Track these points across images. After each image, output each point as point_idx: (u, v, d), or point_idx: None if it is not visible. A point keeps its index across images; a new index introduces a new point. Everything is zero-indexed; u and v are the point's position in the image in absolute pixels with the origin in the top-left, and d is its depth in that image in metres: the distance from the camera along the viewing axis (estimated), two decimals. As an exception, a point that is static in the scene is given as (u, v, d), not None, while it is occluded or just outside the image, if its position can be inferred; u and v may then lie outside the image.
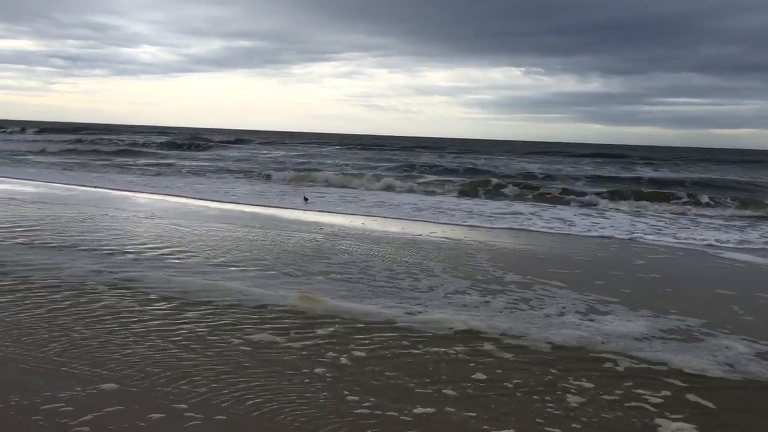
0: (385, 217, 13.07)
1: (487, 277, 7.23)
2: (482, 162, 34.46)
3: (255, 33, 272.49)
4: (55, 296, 5.76)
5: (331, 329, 5.12)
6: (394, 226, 11.48)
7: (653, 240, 11.21)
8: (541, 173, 28.58)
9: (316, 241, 9.32)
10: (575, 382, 4.19)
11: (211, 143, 46.71)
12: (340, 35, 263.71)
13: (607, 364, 4.57)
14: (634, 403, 3.92)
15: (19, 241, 8.28)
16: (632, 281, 7.45)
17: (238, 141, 48.93)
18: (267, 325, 5.10)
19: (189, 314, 5.35)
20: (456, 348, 4.75)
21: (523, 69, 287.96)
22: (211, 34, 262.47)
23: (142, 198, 15.09)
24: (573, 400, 3.91)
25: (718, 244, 10.80)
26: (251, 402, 3.70)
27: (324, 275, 6.96)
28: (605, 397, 4.01)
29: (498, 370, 4.31)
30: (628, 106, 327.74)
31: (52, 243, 8.20)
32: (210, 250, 8.27)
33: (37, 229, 9.24)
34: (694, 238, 11.31)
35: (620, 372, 4.43)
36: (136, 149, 38.25)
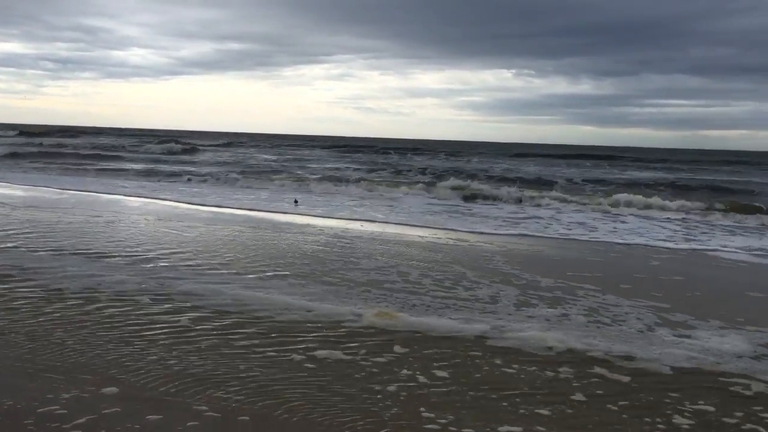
0: (386, 222, 13.71)
1: (525, 282, 7.74)
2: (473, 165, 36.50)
3: (246, 36, 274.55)
4: (108, 309, 5.97)
5: (410, 346, 5.13)
6: (393, 229, 12.37)
7: (659, 244, 11.60)
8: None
9: (332, 245, 9.82)
10: (692, 405, 4.19)
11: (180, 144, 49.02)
12: (331, 38, 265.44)
13: (735, 388, 4.53)
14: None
15: (45, 248, 8.54)
16: (663, 285, 7.89)
17: (189, 148, 46.99)
18: (332, 342, 5.14)
19: (248, 330, 5.43)
20: (557, 368, 4.73)
21: (514, 71, 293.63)
22: (202, 37, 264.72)
23: (135, 202, 15.90)
24: (684, 422, 3.93)
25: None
26: (319, 419, 3.77)
27: (373, 286, 7.15)
28: (727, 420, 4.00)
29: (599, 391, 4.32)
30: (619, 108, 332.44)
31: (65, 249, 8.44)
32: (236, 256, 8.60)
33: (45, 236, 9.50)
34: (708, 243, 11.89)
35: (748, 395, 4.39)
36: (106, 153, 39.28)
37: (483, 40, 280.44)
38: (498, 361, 4.75)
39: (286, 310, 5.79)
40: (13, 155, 32.57)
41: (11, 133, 61.93)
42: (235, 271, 7.47)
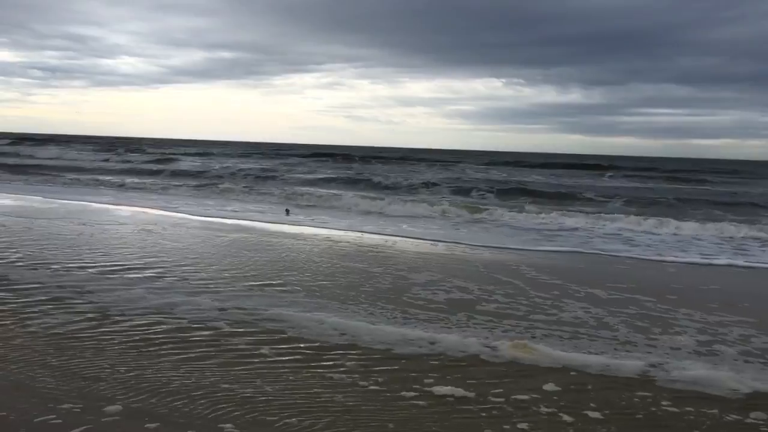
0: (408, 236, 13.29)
1: (618, 301, 7.43)
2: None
3: (236, 44, 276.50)
4: (194, 339, 5.47)
5: (561, 385, 4.62)
6: (422, 243, 11.95)
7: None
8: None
9: (367, 259, 9.67)
10: None
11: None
12: (322, 46, 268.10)
13: None
14: None
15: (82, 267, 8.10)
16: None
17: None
18: (450, 377, 4.68)
19: (348, 363, 4.95)
20: (745, 412, 4.25)
21: (504, 80, 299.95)
22: (192, 45, 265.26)
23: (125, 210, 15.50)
24: None
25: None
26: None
27: (466, 309, 6.72)
28: None
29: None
30: (607, 117, 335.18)
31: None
32: (296, 277, 8.09)
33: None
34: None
35: None
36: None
37: (473, 49, 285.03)
38: (665, 403, 4.36)
39: (404, 342, 5.41)
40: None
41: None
42: (315, 295, 7.13)
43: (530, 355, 4.99)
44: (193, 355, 4.94)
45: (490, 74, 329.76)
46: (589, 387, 4.57)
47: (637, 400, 4.37)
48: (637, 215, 17.03)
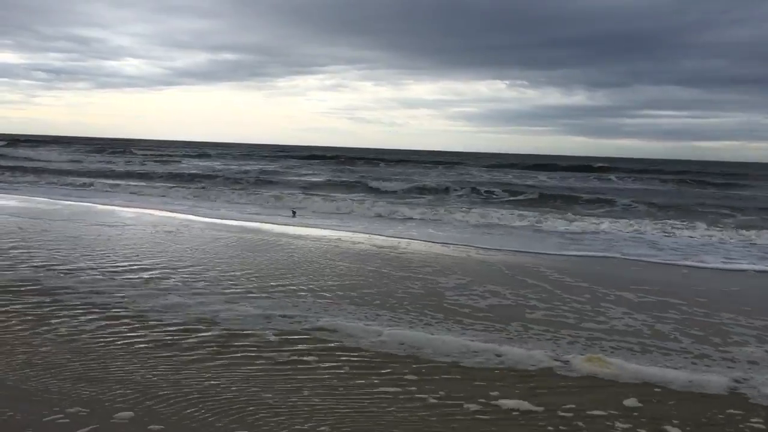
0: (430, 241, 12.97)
1: (655, 305, 7.33)
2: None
3: (240, 46, 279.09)
4: (233, 348, 5.27)
5: (643, 401, 4.41)
6: (446, 247, 11.67)
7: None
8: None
9: (388, 261, 9.59)
10: None
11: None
12: (325, 48, 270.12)
13: None
14: None
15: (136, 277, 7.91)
16: None
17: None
18: (519, 390, 4.54)
19: (407, 374, 4.76)
20: None
21: (507, 82, 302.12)
22: (196, 47, 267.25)
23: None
24: None
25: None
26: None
27: (518, 319, 6.47)
28: None
29: None
30: (611, 119, 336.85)
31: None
32: (338, 283, 7.89)
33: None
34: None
35: None
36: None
37: (477, 51, 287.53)
38: (756, 420, 4.21)
39: (470, 353, 5.25)
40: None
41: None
42: (357, 302, 6.94)
43: (607, 370, 4.77)
44: (236, 364, 4.87)
45: (493, 76, 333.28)
46: (671, 403, 4.42)
47: (722, 417, 4.26)
48: (657, 218, 16.85)
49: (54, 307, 6.19)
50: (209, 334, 5.53)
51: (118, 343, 5.25)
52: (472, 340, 5.52)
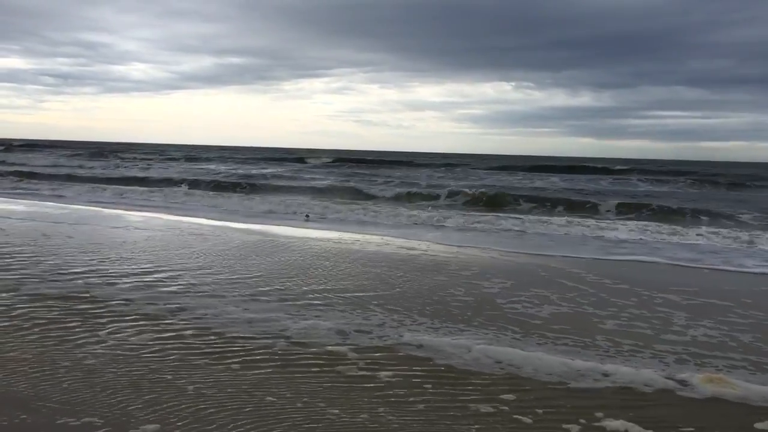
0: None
1: (719, 310, 7.17)
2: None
3: (246, 50, 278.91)
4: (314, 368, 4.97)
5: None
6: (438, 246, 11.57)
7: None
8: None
9: (421, 266, 9.38)
10: None
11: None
12: (331, 51, 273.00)
13: None
14: None
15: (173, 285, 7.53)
16: None
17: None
18: (630, 413, 4.18)
19: (503, 394, 4.46)
20: None
21: (513, 84, 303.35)
22: (202, 51, 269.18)
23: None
24: None
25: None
26: None
27: (578, 327, 6.26)
28: None
29: None
30: (617, 120, 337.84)
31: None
32: (400, 291, 7.53)
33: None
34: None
35: None
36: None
37: (482, 53, 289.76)
38: None
39: (573, 373, 4.89)
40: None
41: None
42: (422, 313, 6.58)
43: (734, 391, 4.37)
44: (310, 384, 4.58)
45: (499, 78, 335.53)
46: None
47: None
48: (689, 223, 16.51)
49: (108, 318, 5.93)
50: (277, 349, 5.23)
51: (173, 354, 5.02)
52: (572, 359, 5.18)
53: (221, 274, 8.18)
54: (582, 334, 5.98)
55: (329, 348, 5.27)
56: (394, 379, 4.65)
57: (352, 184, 28.38)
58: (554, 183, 34.45)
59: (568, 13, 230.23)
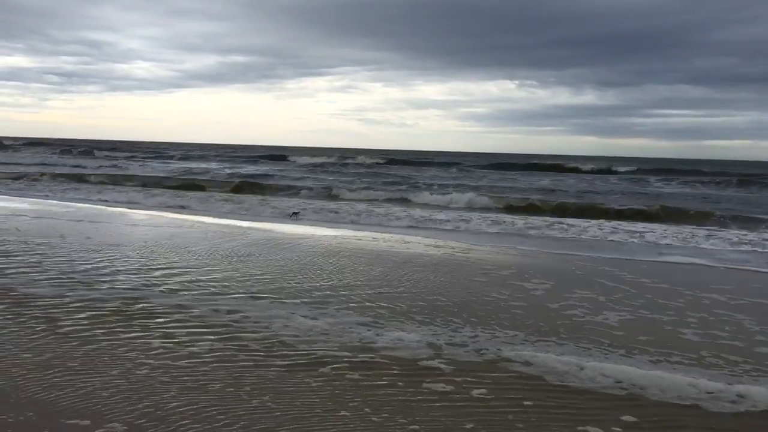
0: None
1: None
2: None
3: (249, 48, 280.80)
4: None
5: None
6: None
7: None
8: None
9: (452, 267, 9.05)
10: None
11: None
12: (334, 50, 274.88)
13: None
14: None
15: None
16: None
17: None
18: None
19: (625, 417, 4.05)
20: None
21: (517, 82, 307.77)
22: (206, 50, 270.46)
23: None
24: None
25: None
26: None
27: (662, 339, 5.85)
28: None
29: None
30: (622, 118, 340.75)
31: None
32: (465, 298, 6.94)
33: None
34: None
35: None
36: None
37: (486, 51, 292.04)
38: None
39: (704, 394, 4.47)
40: None
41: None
42: (499, 325, 6.14)
43: None
44: (413, 402, 4.23)
45: (503, 76, 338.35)
46: None
47: None
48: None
49: (170, 329, 5.57)
50: (358, 361, 4.87)
51: (241, 366, 4.66)
52: (695, 378, 4.81)
53: (267, 275, 7.73)
54: (672, 347, 5.58)
55: (423, 363, 4.89)
56: (506, 399, 4.28)
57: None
58: (571, 184, 34.52)
59: (572, 12, 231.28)
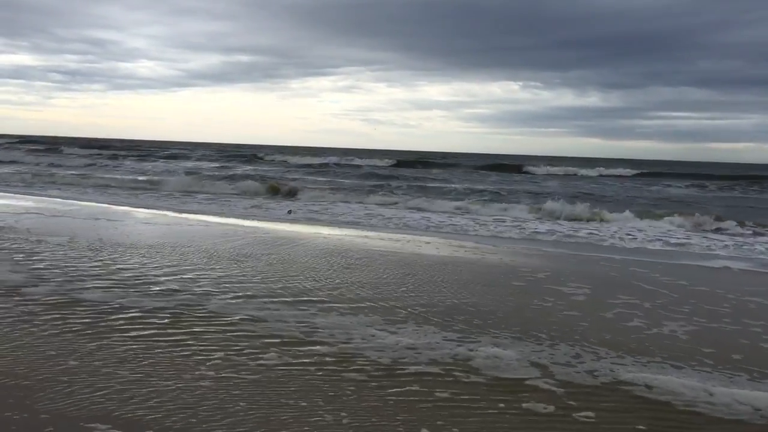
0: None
1: None
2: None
3: (254, 48, 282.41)
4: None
5: None
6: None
7: None
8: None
9: (513, 274, 8.87)
10: None
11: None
12: (339, 50, 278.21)
13: None
14: None
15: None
16: None
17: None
18: None
19: None
20: None
21: (521, 83, 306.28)
22: (210, 49, 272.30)
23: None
24: None
25: None
26: None
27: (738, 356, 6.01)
28: None
29: None
30: (626, 120, 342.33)
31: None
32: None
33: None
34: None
35: None
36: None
37: (490, 52, 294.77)
38: None
39: None
40: None
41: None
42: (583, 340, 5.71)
43: None
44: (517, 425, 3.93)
45: (507, 77, 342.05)
46: None
47: None
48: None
49: (228, 335, 5.22)
50: (452, 380, 4.52)
51: (317, 381, 4.34)
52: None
53: (322, 282, 7.30)
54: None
55: (529, 383, 4.52)
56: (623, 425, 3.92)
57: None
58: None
59: (577, 13, 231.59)
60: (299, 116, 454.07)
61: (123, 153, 59.05)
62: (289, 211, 17.40)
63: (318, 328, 5.71)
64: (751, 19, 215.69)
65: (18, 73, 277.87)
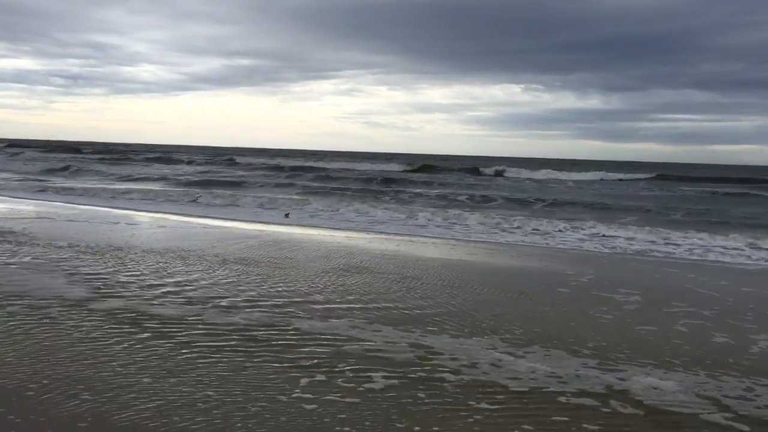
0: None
1: None
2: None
3: (255, 52, 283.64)
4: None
5: None
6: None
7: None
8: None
9: (559, 279, 8.43)
10: None
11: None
12: (340, 53, 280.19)
13: None
14: None
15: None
16: None
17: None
18: None
19: None
20: None
21: (522, 86, 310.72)
22: (212, 53, 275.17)
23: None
24: None
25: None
26: None
27: None
28: None
29: None
30: (627, 123, 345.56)
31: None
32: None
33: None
34: None
35: None
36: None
37: (491, 55, 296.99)
38: None
39: None
40: None
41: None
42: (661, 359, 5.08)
43: None
44: None
45: (508, 80, 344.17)
46: None
47: None
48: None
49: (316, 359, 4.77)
50: (607, 411, 4.03)
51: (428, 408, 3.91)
52: None
53: (423, 299, 6.59)
54: None
55: (705, 417, 3.99)
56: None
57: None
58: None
59: (578, 16, 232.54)
60: (301, 119, 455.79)
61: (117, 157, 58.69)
62: (287, 215, 17.26)
63: (435, 351, 5.07)
64: (752, 21, 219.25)
65: (20, 78, 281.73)
